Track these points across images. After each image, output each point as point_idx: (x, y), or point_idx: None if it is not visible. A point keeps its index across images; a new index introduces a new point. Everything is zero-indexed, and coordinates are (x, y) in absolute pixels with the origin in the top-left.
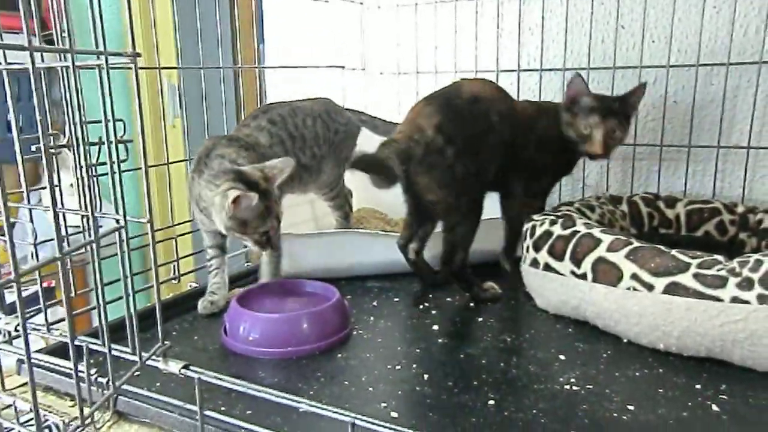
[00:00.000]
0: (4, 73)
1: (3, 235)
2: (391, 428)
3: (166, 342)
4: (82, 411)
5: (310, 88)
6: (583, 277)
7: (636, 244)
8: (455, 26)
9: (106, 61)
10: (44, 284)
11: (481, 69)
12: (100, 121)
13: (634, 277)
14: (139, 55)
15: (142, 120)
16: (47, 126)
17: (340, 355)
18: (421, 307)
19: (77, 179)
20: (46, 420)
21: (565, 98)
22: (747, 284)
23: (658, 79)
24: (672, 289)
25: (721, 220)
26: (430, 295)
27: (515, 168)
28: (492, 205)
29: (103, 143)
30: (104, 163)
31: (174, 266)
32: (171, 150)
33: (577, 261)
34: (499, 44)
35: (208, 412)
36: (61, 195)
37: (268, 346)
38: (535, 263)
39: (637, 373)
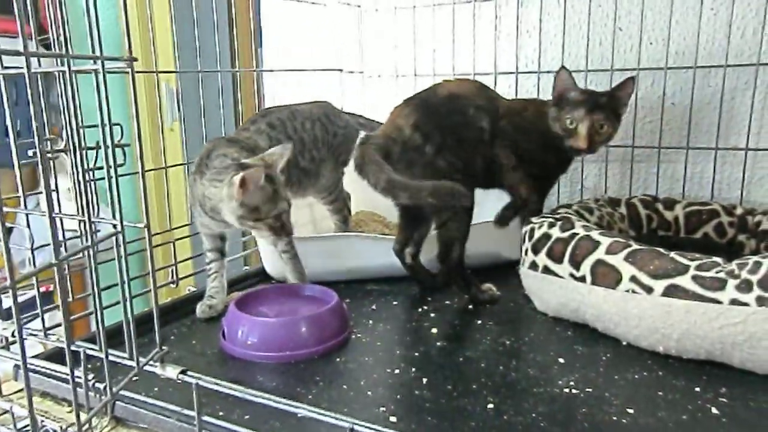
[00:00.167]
0: (1, 78)
1: None
2: None
3: (163, 347)
4: (78, 417)
5: (309, 91)
6: (582, 279)
7: (635, 246)
8: (453, 29)
9: (103, 65)
10: (42, 288)
11: (479, 71)
12: (97, 126)
13: (633, 279)
14: (135, 59)
15: (139, 124)
16: (43, 131)
17: (338, 359)
18: (420, 310)
19: (74, 184)
20: (44, 426)
21: (553, 93)
22: (746, 286)
23: (655, 81)
24: (671, 292)
25: (720, 222)
26: (429, 299)
27: (505, 161)
28: (493, 207)
29: (100, 148)
30: (102, 168)
31: (172, 270)
32: (169, 153)
33: (576, 263)
34: (497, 46)
35: (206, 418)
36: (59, 199)
37: (267, 350)
38: (534, 266)
39: (636, 376)
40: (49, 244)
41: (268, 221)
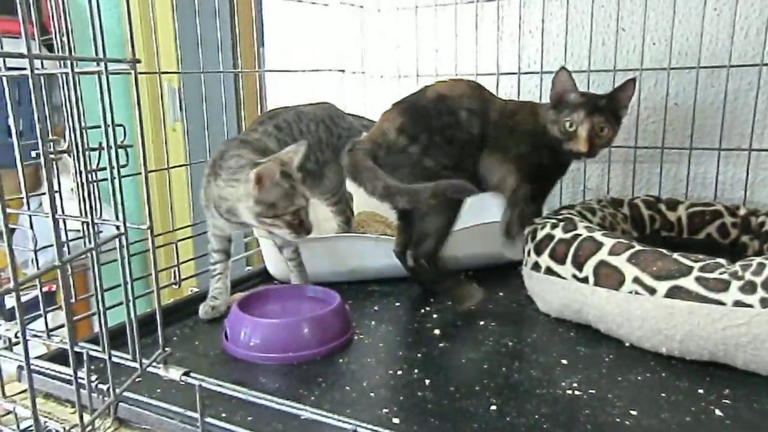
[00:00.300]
0: (4, 79)
1: (2, 241)
2: None
3: (166, 348)
4: (82, 418)
5: (310, 92)
6: (585, 280)
7: (638, 247)
8: (455, 29)
9: (106, 67)
10: (45, 288)
11: (482, 72)
12: (100, 127)
13: (636, 280)
14: (138, 61)
15: (142, 126)
16: (47, 133)
17: (341, 360)
18: (422, 311)
19: (77, 185)
20: (47, 427)
21: (551, 95)
22: (750, 288)
23: (658, 82)
24: (674, 293)
25: (723, 222)
26: (431, 300)
27: (498, 162)
28: (494, 206)
29: (103, 149)
30: (104, 168)
31: (174, 271)
32: (171, 153)
33: (578, 264)
34: (500, 47)
35: (209, 419)
36: (61, 199)
37: (269, 352)
38: (536, 267)
39: (639, 378)
40: (52, 245)
41: (286, 218)
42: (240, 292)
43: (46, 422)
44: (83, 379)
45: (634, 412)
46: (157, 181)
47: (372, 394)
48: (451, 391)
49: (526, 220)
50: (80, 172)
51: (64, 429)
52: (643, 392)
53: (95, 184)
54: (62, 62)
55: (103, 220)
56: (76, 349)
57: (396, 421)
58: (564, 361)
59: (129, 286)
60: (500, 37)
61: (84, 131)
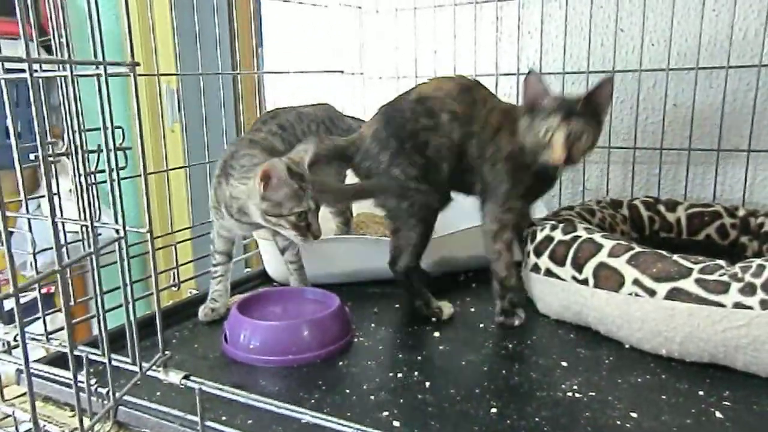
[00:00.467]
0: (2, 83)
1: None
2: None
3: (166, 352)
4: (81, 422)
5: (309, 93)
6: (585, 282)
7: (637, 249)
8: (454, 30)
9: (105, 70)
10: (44, 290)
11: (481, 73)
12: (98, 129)
13: (636, 282)
14: (138, 64)
15: (142, 130)
16: (45, 136)
17: (341, 363)
18: (422, 314)
19: (76, 188)
20: (46, 430)
21: (522, 102)
22: (749, 289)
23: (657, 82)
24: (674, 295)
25: (722, 223)
26: None
27: (477, 172)
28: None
29: (102, 151)
30: (103, 171)
31: (173, 273)
32: (170, 155)
33: (578, 266)
34: (499, 48)
35: (209, 423)
36: (60, 201)
37: (269, 354)
38: (536, 268)
39: (639, 380)
40: (50, 248)
41: (291, 219)
42: (239, 294)
43: (45, 426)
44: (83, 382)
45: (634, 415)
46: (156, 183)
47: (372, 397)
48: (452, 393)
49: (512, 265)
50: (79, 175)
51: None
52: (643, 394)
53: (94, 186)
54: (61, 65)
55: (103, 223)
56: (76, 352)
57: (396, 424)
58: (564, 363)
59: (129, 290)
60: (499, 38)
61: (83, 134)
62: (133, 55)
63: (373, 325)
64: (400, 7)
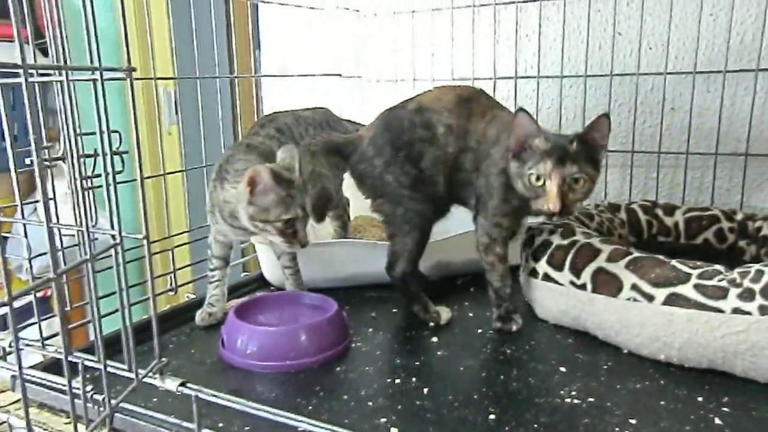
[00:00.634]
0: None
1: None
2: None
3: (163, 358)
4: (76, 429)
5: (307, 96)
6: (583, 287)
7: (636, 254)
8: (452, 33)
9: (101, 75)
10: (40, 294)
11: (479, 76)
12: (95, 133)
13: (635, 287)
14: (134, 69)
15: (138, 136)
16: (40, 141)
17: (338, 369)
18: (420, 318)
19: (73, 193)
20: None
21: (510, 143)
22: (748, 295)
23: (655, 87)
24: (673, 300)
25: (720, 227)
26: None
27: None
28: None
29: (98, 155)
30: (100, 175)
31: (170, 277)
32: (167, 158)
33: (576, 271)
34: (496, 51)
35: (205, 430)
36: (56, 205)
37: (266, 360)
38: (534, 273)
39: (638, 385)
40: (46, 253)
41: (278, 225)
42: (236, 299)
43: None
44: (78, 389)
45: (633, 421)
46: (153, 186)
47: (370, 403)
48: (450, 399)
49: (506, 276)
50: (74, 180)
51: None
52: (642, 400)
53: (91, 190)
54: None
55: (98, 228)
56: (72, 358)
57: (394, 430)
58: (562, 369)
59: (125, 296)
60: (497, 41)
61: (78, 138)
62: (129, 61)
63: (370, 329)
64: (398, 10)
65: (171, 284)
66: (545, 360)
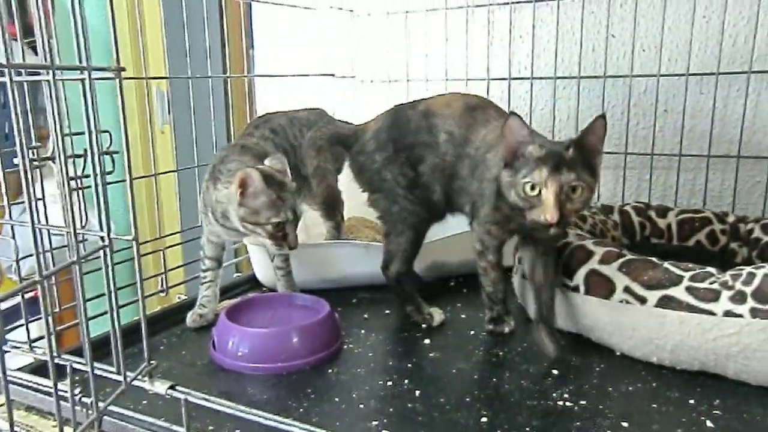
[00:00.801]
0: None
1: None
2: None
3: (152, 361)
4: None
5: (300, 96)
6: (576, 289)
7: (629, 256)
8: (446, 34)
9: (89, 75)
10: (30, 294)
11: (472, 77)
12: (82, 133)
13: (627, 290)
14: (123, 69)
15: (127, 136)
16: (25, 141)
17: (330, 371)
18: (412, 319)
19: (61, 195)
20: None
21: (502, 150)
22: (740, 297)
23: (648, 88)
24: (665, 303)
25: (713, 229)
26: None
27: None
28: None
29: (88, 155)
30: (89, 175)
31: (162, 278)
32: (160, 158)
33: (569, 273)
34: (490, 52)
35: None
36: (45, 205)
37: (258, 362)
38: (526, 275)
39: (630, 388)
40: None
41: (268, 228)
42: (228, 300)
43: None
44: (66, 392)
45: (625, 424)
46: (145, 187)
47: (361, 406)
48: (441, 402)
49: (499, 281)
50: (63, 180)
51: None
52: (634, 403)
53: (81, 190)
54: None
55: (87, 230)
56: (60, 361)
57: None
58: (555, 371)
59: (113, 298)
60: (491, 42)
61: (67, 138)
62: (118, 60)
63: (363, 331)
64: (392, 10)
65: (162, 285)
66: (538, 362)
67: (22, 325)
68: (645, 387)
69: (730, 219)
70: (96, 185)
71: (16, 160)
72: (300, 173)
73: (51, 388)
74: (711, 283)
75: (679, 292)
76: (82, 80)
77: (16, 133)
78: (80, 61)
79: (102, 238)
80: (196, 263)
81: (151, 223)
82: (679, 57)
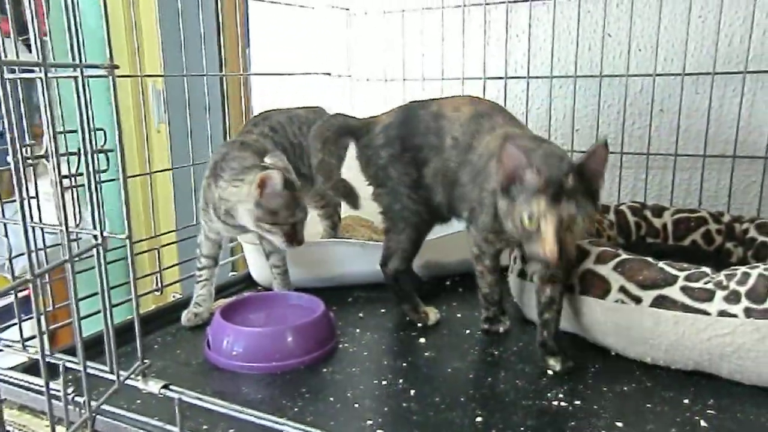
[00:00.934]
0: None
1: None
2: None
3: (145, 360)
4: (53, 431)
5: (297, 95)
6: (571, 289)
7: (624, 256)
8: (442, 33)
9: (82, 72)
10: (26, 292)
11: (468, 76)
12: (77, 131)
13: (622, 289)
14: (116, 67)
15: (121, 133)
16: (23, 139)
17: (325, 370)
18: (407, 318)
19: (54, 193)
20: None
21: (498, 176)
22: (734, 297)
23: (644, 88)
24: (660, 302)
25: (708, 229)
26: None
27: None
28: None
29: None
30: (83, 174)
31: (157, 277)
32: (156, 156)
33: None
34: (486, 51)
35: None
36: (39, 204)
37: (252, 361)
38: (522, 274)
39: (625, 388)
40: (25, 253)
41: (285, 228)
42: (223, 299)
43: None
44: (59, 391)
45: (619, 424)
46: (141, 185)
47: (356, 405)
48: (436, 401)
49: (495, 284)
50: (55, 178)
51: None
52: (628, 403)
53: (75, 189)
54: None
55: (80, 228)
56: (52, 360)
57: None
58: (550, 371)
59: (106, 297)
60: (487, 41)
61: (62, 136)
62: (111, 57)
63: (358, 330)
64: (388, 9)
65: (157, 284)
66: (533, 362)
67: (15, 324)
68: (639, 387)
69: (726, 219)
70: (89, 183)
71: (8, 158)
72: (300, 171)
73: (43, 387)
74: (706, 283)
75: (674, 292)
76: (75, 78)
77: (7, 129)
78: (73, 59)
79: (95, 236)
80: (192, 262)
81: (147, 221)
82: (675, 57)
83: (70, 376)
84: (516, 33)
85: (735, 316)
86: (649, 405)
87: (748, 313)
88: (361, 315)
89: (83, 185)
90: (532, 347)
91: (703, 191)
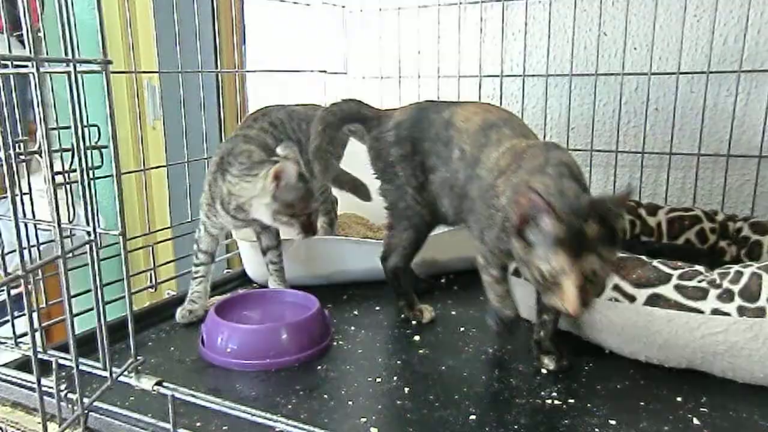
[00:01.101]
0: None
1: None
2: None
3: (138, 357)
4: (45, 428)
5: (292, 92)
6: None
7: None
8: (438, 31)
9: (74, 68)
10: (20, 289)
11: (464, 74)
12: (70, 127)
13: (617, 288)
14: (110, 62)
15: (115, 128)
16: (15, 134)
17: (320, 367)
18: (402, 316)
19: (48, 190)
20: None
21: (514, 216)
22: (727, 296)
23: (639, 86)
24: (654, 301)
25: (702, 228)
26: None
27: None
28: None
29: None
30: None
31: (152, 273)
32: (152, 153)
33: None
34: (482, 49)
35: (181, 430)
36: (32, 201)
37: (247, 358)
38: (517, 272)
39: (618, 386)
40: (24, 248)
41: (302, 218)
42: (218, 296)
43: None
44: (51, 387)
45: (613, 422)
46: (135, 182)
47: (350, 403)
48: (431, 399)
49: (505, 296)
50: (48, 175)
51: None
52: (622, 401)
53: (69, 185)
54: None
55: (74, 225)
56: (45, 356)
57: (374, 431)
58: (544, 370)
59: (99, 294)
60: (483, 39)
61: (56, 132)
62: (105, 53)
63: (353, 328)
64: (384, 6)
65: (152, 280)
66: (527, 360)
67: (8, 321)
68: (633, 385)
69: (720, 217)
70: (82, 179)
71: (0, 153)
72: None
73: (35, 383)
74: (699, 282)
75: (667, 291)
76: (68, 73)
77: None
78: (66, 54)
79: (88, 233)
80: (187, 259)
81: (142, 218)
82: (669, 56)
83: (63, 373)
84: (512, 31)
85: (728, 314)
86: (642, 403)
87: (741, 311)
88: (356, 313)
89: (76, 182)
90: (526, 345)
91: (697, 190)
